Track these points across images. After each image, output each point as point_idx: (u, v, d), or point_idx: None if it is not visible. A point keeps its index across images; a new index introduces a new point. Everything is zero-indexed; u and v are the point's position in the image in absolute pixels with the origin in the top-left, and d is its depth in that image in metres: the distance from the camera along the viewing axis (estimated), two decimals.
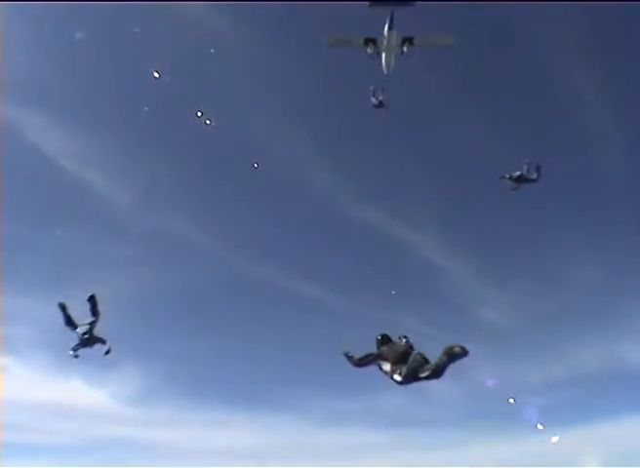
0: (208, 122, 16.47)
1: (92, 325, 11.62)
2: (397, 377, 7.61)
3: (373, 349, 8.22)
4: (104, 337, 11.73)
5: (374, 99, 19.03)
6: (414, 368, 7.43)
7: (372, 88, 19.06)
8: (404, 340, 8.23)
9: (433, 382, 7.65)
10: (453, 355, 7.17)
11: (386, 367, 7.80)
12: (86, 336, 11.51)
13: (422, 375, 7.40)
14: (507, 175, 16.48)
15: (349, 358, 8.23)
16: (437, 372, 7.31)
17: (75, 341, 11.61)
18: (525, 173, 16.28)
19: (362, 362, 8.15)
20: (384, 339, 8.23)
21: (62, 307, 11.67)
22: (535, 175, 16.33)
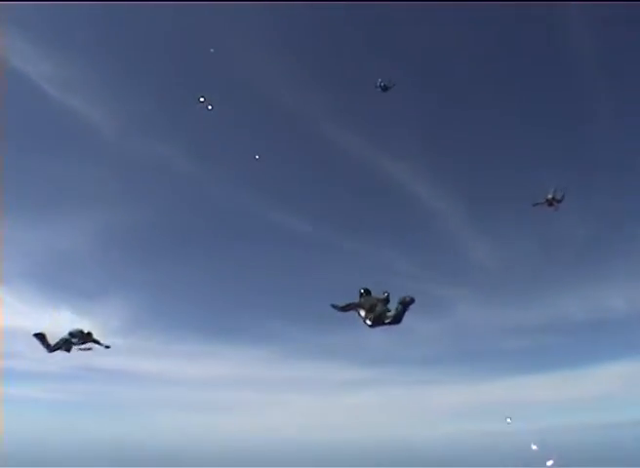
0: (210, 108, 18.00)
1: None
2: (368, 322, 10.15)
3: (356, 296, 10.44)
4: (99, 340, 12.27)
5: (379, 88, 22.68)
6: (377, 316, 9.99)
7: (380, 80, 22.82)
8: (386, 294, 10.28)
9: (417, 323, 10.61)
10: (405, 303, 9.90)
11: (362, 313, 10.25)
12: (86, 332, 12.05)
13: (386, 321, 10.01)
14: (542, 201, 18.68)
15: (335, 307, 10.20)
16: (397, 319, 10.02)
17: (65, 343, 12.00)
18: (554, 195, 18.58)
19: (345, 309, 10.24)
20: (366, 292, 10.48)
21: (41, 337, 11.82)
22: (562, 195, 18.62)
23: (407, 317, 9.87)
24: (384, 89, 22.73)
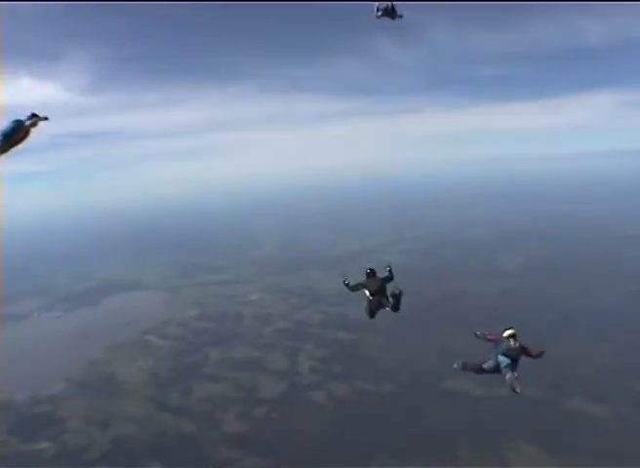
0: None
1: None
2: (370, 298, 12.04)
3: None
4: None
5: (378, 12, 16.07)
6: (376, 302, 12.05)
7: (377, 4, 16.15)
8: (388, 269, 12.27)
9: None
10: (396, 296, 11.85)
11: (367, 293, 12.17)
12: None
13: (386, 308, 12.03)
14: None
15: (346, 285, 12.35)
16: (394, 309, 11.91)
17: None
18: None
19: (354, 289, 12.31)
20: (371, 273, 12.23)
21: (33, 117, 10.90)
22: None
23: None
24: (385, 13, 15.98)
